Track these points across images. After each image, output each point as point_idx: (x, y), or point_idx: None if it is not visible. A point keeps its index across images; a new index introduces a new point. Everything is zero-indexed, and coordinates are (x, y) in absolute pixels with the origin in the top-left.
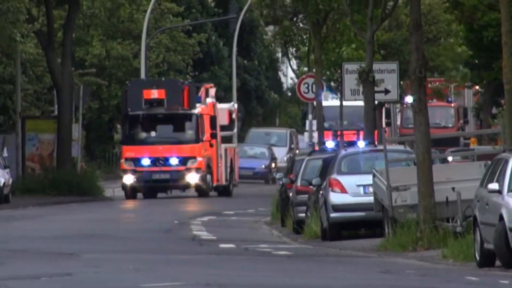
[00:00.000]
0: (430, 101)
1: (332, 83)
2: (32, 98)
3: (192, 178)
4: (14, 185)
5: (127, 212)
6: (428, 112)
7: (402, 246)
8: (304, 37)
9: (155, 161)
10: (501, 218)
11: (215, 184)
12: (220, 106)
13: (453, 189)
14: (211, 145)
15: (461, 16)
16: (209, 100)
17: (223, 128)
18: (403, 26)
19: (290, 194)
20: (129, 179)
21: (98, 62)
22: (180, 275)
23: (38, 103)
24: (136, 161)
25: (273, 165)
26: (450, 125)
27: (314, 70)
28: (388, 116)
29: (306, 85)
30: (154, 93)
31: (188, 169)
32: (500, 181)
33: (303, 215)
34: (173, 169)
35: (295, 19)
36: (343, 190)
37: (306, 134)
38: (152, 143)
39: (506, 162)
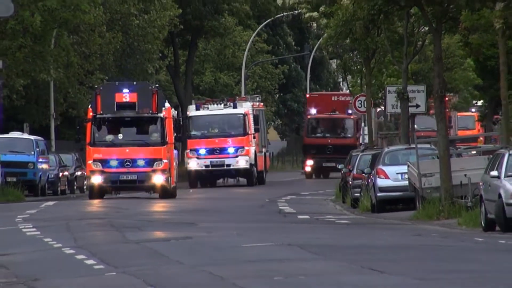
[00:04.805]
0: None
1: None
2: None
3: (158, 179)
4: None
5: (231, 193)
6: (446, 121)
7: (428, 216)
8: (358, 67)
9: (122, 163)
10: (499, 196)
11: (173, 185)
12: None
13: (465, 175)
14: (175, 148)
15: (470, 52)
16: (167, 104)
17: None
18: (428, 59)
19: (349, 180)
20: (96, 179)
21: (209, 88)
22: (270, 238)
23: None
24: (104, 162)
25: None
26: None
27: (365, 91)
28: (256, 123)
29: (360, 102)
30: (126, 97)
31: (154, 171)
32: (499, 169)
33: (358, 194)
34: (140, 170)
35: (351, 54)
36: (386, 177)
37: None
38: (119, 145)
39: (503, 155)
